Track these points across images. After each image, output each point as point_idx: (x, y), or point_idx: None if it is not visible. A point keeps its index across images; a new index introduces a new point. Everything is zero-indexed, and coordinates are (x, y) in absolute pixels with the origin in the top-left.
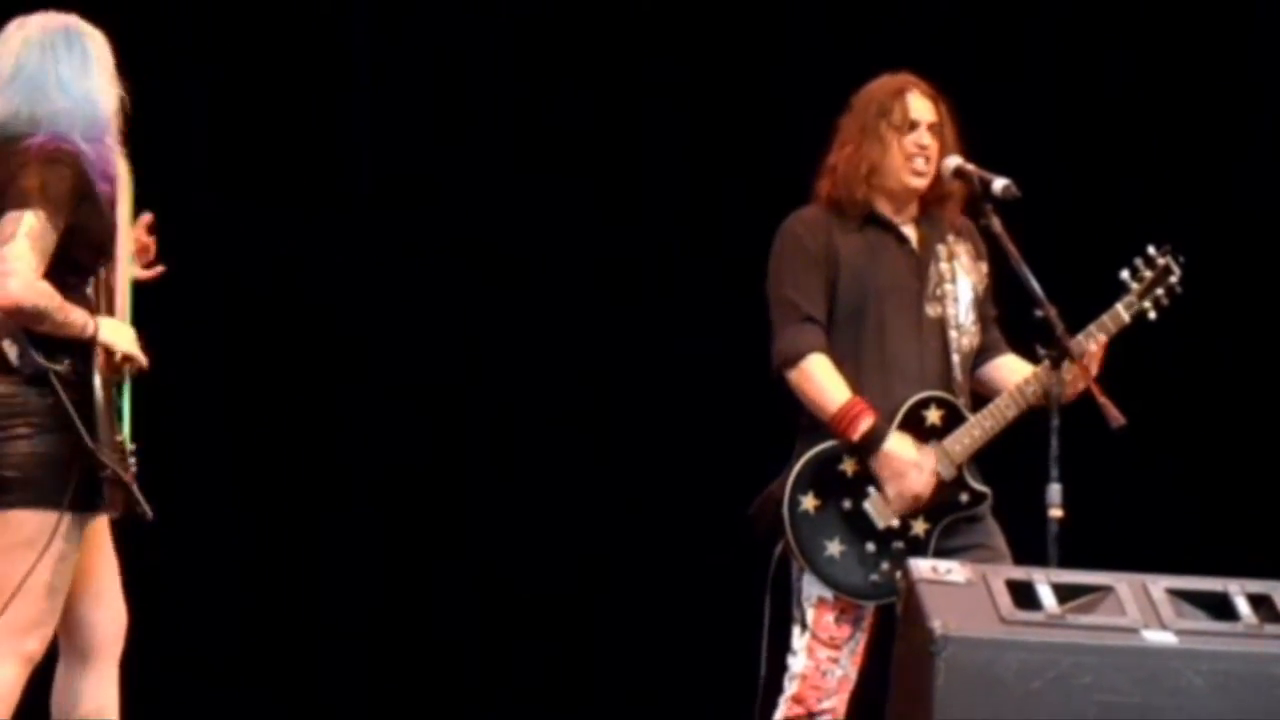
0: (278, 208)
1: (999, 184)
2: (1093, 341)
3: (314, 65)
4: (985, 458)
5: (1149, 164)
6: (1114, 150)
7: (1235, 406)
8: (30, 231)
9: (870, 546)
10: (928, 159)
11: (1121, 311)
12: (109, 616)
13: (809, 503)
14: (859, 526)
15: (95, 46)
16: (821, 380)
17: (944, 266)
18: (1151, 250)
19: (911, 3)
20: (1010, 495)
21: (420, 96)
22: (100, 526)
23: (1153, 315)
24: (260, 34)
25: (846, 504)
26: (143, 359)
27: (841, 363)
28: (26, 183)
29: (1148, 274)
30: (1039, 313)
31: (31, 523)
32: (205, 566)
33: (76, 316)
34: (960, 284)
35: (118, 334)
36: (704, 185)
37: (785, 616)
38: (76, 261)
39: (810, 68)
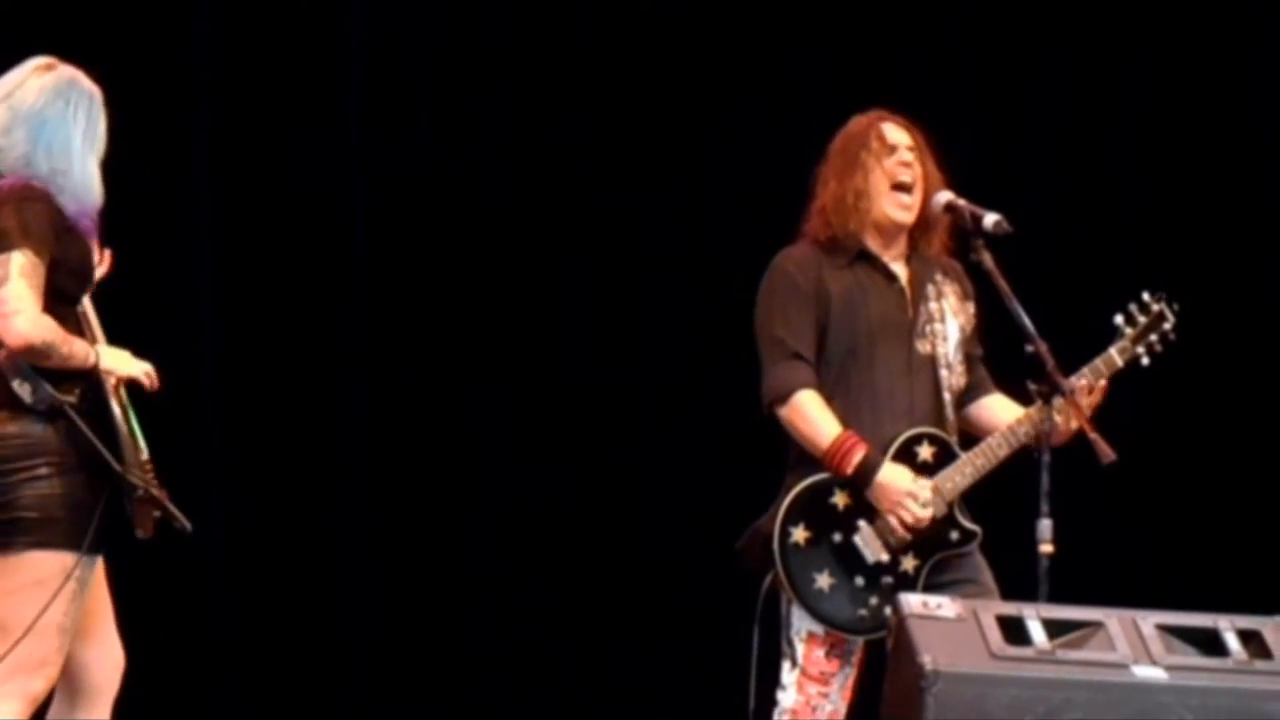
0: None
1: (990, 219)
2: (1085, 381)
3: (309, 50)
4: (975, 492)
5: (1142, 202)
6: (1109, 186)
7: (1227, 443)
8: (23, 270)
9: (860, 580)
10: (912, 184)
11: (1115, 356)
12: (104, 657)
13: (799, 534)
14: (849, 560)
15: (103, 121)
16: (813, 416)
17: (933, 306)
18: (1146, 296)
19: (914, 36)
20: (1001, 530)
21: (415, 93)
22: (99, 569)
23: (1146, 361)
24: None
25: (837, 537)
26: (145, 380)
27: (832, 399)
28: (6, 223)
29: (1141, 319)
30: (1030, 348)
31: (47, 563)
32: (203, 606)
33: (79, 347)
34: (949, 324)
35: (116, 359)
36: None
37: (774, 650)
38: (64, 292)
39: (812, 107)
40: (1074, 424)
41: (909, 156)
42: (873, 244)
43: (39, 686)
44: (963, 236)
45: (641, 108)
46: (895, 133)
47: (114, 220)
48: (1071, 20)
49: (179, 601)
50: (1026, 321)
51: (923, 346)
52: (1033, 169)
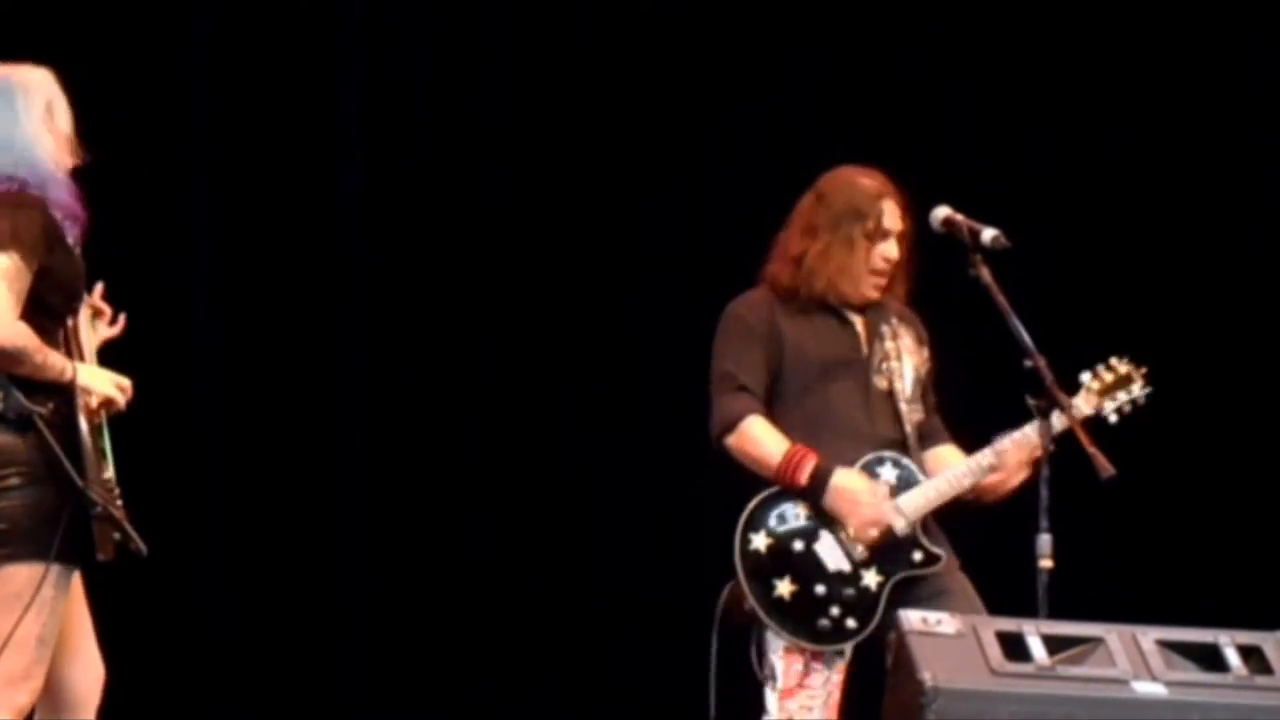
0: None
1: (988, 234)
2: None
3: (308, 49)
4: (972, 507)
5: (1143, 216)
6: (1110, 198)
7: (1228, 458)
8: (5, 273)
9: (820, 589)
10: (890, 270)
11: (1080, 404)
12: (85, 672)
13: (760, 541)
14: (810, 569)
15: (25, 93)
16: (760, 438)
17: (888, 345)
18: (1113, 360)
19: (914, 36)
20: (1000, 546)
21: (415, 93)
22: (76, 582)
23: (1113, 419)
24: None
25: (798, 545)
26: (120, 403)
27: (791, 433)
28: None
29: (1107, 377)
30: (1028, 363)
31: (20, 575)
32: (184, 618)
33: (55, 359)
34: (905, 362)
35: (95, 378)
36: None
37: (736, 658)
38: (49, 305)
39: (812, 107)
40: (1018, 478)
41: (894, 252)
42: (832, 301)
43: (23, 700)
44: (960, 252)
45: (641, 108)
46: (893, 218)
47: (112, 220)
48: (1072, 21)
49: (176, 603)
50: (1025, 336)
51: (880, 382)
52: (1032, 177)
